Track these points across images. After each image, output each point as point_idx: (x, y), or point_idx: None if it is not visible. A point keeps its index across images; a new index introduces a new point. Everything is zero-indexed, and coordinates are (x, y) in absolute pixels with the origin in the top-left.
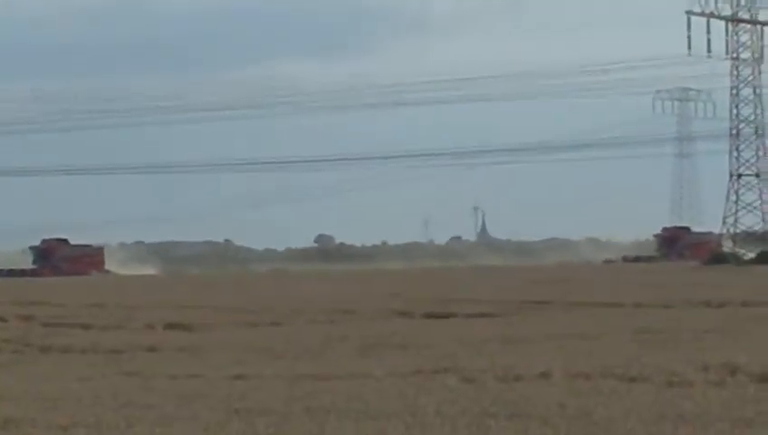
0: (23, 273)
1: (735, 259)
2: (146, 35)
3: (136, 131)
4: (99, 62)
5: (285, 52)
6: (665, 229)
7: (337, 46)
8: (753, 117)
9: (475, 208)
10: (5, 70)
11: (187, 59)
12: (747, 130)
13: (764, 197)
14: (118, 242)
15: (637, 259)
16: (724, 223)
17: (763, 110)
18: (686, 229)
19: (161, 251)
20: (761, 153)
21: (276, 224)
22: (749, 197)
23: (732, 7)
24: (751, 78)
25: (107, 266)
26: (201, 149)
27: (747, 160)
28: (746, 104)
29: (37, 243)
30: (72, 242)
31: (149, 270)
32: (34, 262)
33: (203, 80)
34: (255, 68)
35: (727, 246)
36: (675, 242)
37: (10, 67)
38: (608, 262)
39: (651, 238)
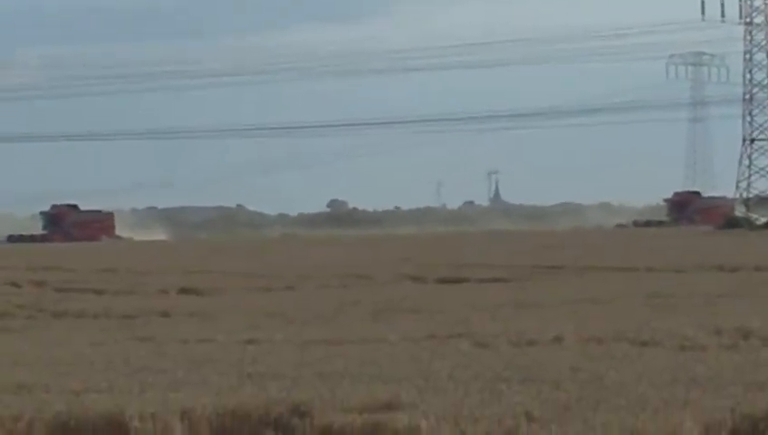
0: (32, 238)
1: (749, 224)
2: (154, 1)
3: (146, 97)
4: (108, 29)
5: (295, 17)
6: (676, 194)
7: (348, 11)
8: (766, 81)
9: (489, 173)
10: (14, 37)
11: (197, 25)
12: (761, 95)
13: None
14: (130, 208)
15: (647, 224)
16: (737, 187)
17: None
18: (697, 194)
19: (173, 217)
20: None
21: (288, 189)
22: (762, 161)
23: None
24: (764, 42)
25: (118, 232)
26: (213, 115)
27: (761, 125)
28: (760, 69)
29: (47, 209)
30: (82, 208)
31: (161, 236)
32: (44, 227)
33: (214, 46)
34: (266, 33)
35: (739, 211)
36: (685, 207)
37: (18, 34)
38: (620, 226)
39: (662, 203)
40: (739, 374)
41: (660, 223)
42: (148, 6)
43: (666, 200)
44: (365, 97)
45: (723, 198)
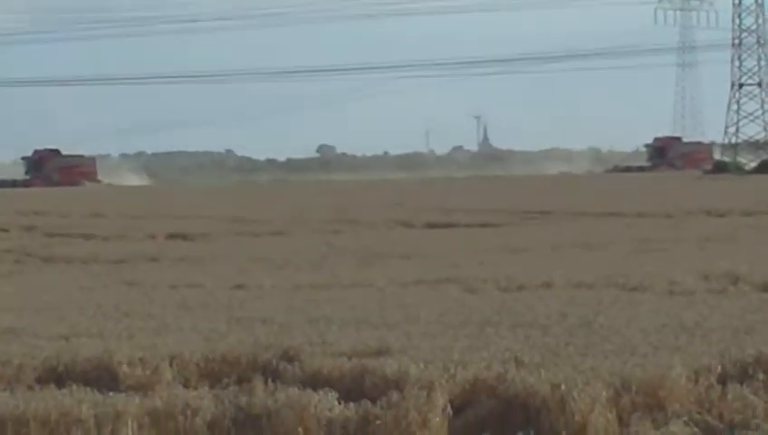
0: (14, 183)
1: (737, 168)
2: None
3: (134, 42)
4: None
5: None
6: (656, 139)
7: None
8: (755, 26)
9: (477, 118)
10: None
11: None
12: (749, 40)
13: (766, 106)
14: (119, 153)
15: (628, 169)
16: (725, 133)
17: (765, 19)
18: (678, 139)
19: (162, 161)
20: (763, 63)
21: (277, 134)
22: (750, 106)
23: None
24: None
25: (107, 178)
26: (201, 60)
27: (749, 70)
28: (748, 14)
29: (29, 154)
30: (65, 153)
31: (150, 180)
32: (26, 172)
33: None
34: None
35: (724, 156)
36: (666, 152)
37: None
38: (609, 172)
39: (643, 149)
40: (727, 319)
41: (641, 168)
42: None
43: (646, 146)
44: (354, 42)
45: (702, 144)
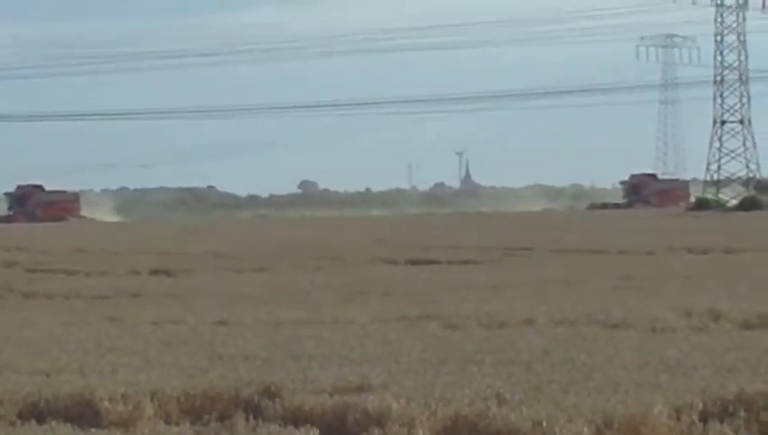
0: None
1: (719, 205)
2: None
3: (117, 78)
4: (77, 9)
5: None
6: (632, 176)
7: None
8: (737, 63)
9: (459, 154)
10: None
11: (168, 5)
12: (731, 77)
13: (747, 143)
14: (101, 188)
15: (603, 206)
16: (707, 169)
17: (747, 56)
18: (653, 176)
19: (144, 197)
20: (745, 100)
21: (259, 170)
22: (732, 143)
23: None
24: (735, 24)
25: (89, 213)
26: (184, 96)
27: (731, 107)
28: (731, 51)
29: (12, 189)
30: (48, 188)
31: (130, 217)
32: (9, 208)
33: (183, 26)
34: (236, 13)
35: (706, 193)
36: (641, 189)
37: None
38: (591, 208)
39: (618, 185)
40: (709, 357)
41: (617, 205)
42: None
43: (622, 183)
44: (336, 78)
45: (678, 180)
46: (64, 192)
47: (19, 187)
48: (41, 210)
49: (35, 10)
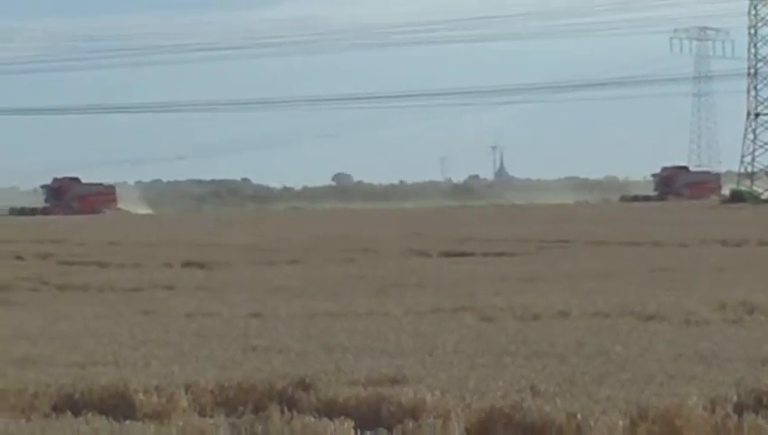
0: (33, 211)
1: (753, 198)
2: None
3: (154, 70)
4: (109, 3)
5: None
6: (663, 169)
7: None
8: None
9: (493, 147)
10: (18, 10)
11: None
12: (765, 69)
13: None
14: (135, 181)
15: (635, 198)
16: (741, 162)
17: None
18: (685, 168)
19: (178, 190)
20: None
21: (294, 163)
22: (766, 135)
23: None
24: None
25: (123, 206)
26: (219, 88)
27: (765, 99)
28: (764, 43)
29: (49, 182)
30: (84, 181)
31: (166, 209)
32: (46, 200)
33: (217, 19)
34: (270, 8)
35: (740, 185)
36: (673, 181)
37: (22, 7)
38: (624, 200)
39: (649, 178)
40: (743, 349)
41: (647, 198)
42: None
43: (653, 175)
44: (371, 71)
45: (709, 173)
46: (101, 185)
47: (56, 179)
48: (77, 203)
49: (67, 4)
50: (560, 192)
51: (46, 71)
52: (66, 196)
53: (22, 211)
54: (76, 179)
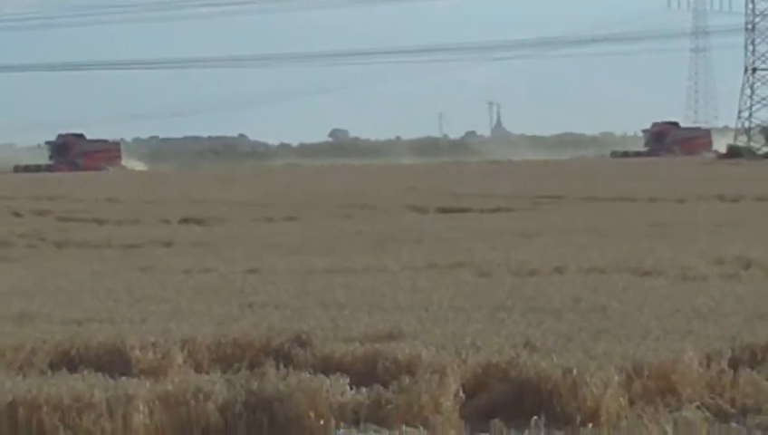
0: (38, 168)
1: (750, 153)
2: None
3: (147, 28)
4: None
5: None
6: (654, 124)
7: None
8: None
9: (490, 103)
10: None
11: None
12: (763, 24)
13: None
14: (132, 137)
15: (625, 154)
16: (738, 117)
17: None
18: (676, 124)
19: (175, 146)
20: None
21: (290, 119)
22: (764, 91)
23: None
24: None
25: (123, 162)
26: (214, 45)
27: (762, 54)
28: None
29: (53, 138)
30: (89, 137)
31: (163, 165)
32: (50, 157)
33: None
34: None
35: (739, 141)
36: (664, 137)
37: None
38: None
39: (640, 134)
40: (739, 304)
41: (638, 153)
42: None
43: (644, 131)
44: (367, 26)
45: (700, 129)
46: (106, 141)
47: (60, 135)
48: (82, 159)
49: None
50: (556, 148)
51: (40, 27)
52: (71, 152)
53: (27, 169)
54: (81, 136)
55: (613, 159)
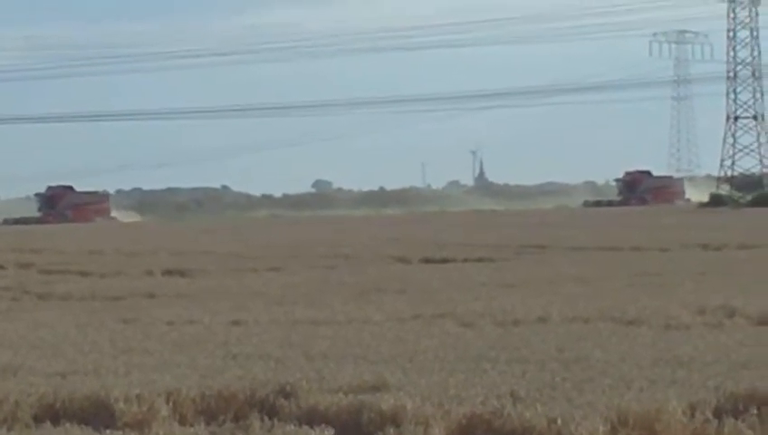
0: (27, 221)
1: (733, 202)
2: None
3: (132, 78)
4: (94, 10)
5: None
6: (626, 173)
7: None
8: (750, 59)
9: (473, 152)
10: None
11: (181, 5)
12: (744, 73)
13: (761, 139)
14: (115, 189)
15: (598, 204)
16: (721, 165)
17: (759, 52)
18: (648, 173)
19: (158, 198)
20: (758, 95)
21: (273, 170)
22: (746, 139)
23: None
24: (747, 20)
25: (114, 213)
26: (198, 95)
27: (744, 103)
28: (743, 46)
29: (42, 190)
30: (78, 189)
31: (147, 217)
32: (39, 209)
33: (197, 26)
34: (249, 14)
35: (723, 189)
36: (636, 186)
37: (5, 14)
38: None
39: (610, 183)
40: (723, 353)
41: (610, 203)
42: None
43: (617, 180)
44: (348, 77)
45: (672, 178)
46: (95, 193)
47: (49, 187)
48: (71, 211)
49: (49, 12)
50: (539, 197)
51: (26, 79)
52: (60, 205)
53: (16, 221)
54: (70, 188)
55: (584, 208)
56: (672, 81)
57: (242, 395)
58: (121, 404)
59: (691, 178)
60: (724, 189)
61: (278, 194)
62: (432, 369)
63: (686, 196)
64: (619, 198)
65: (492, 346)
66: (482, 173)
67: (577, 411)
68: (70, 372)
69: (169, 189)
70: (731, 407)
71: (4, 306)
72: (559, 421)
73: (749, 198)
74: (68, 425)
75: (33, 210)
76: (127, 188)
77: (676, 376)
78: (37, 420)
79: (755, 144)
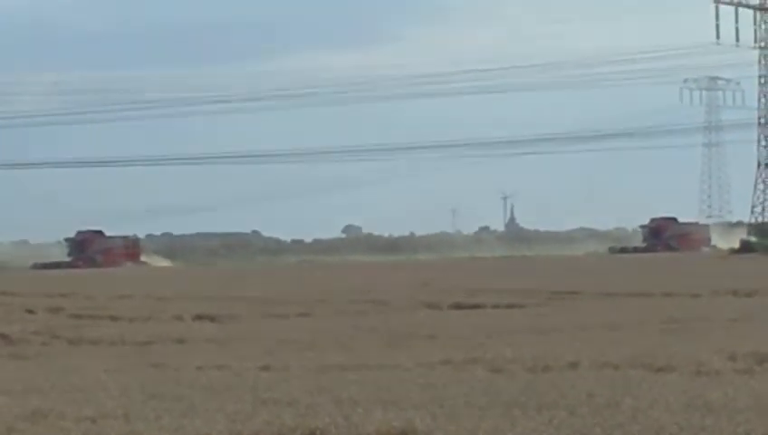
0: (57, 265)
1: (763, 248)
2: (169, 25)
3: (163, 123)
4: (123, 54)
5: (312, 42)
6: (652, 220)
7: (361, 37)
8: None
9: (504, 198)
10: (29, 62)
11: (211, 50)
12: None
13: None
14: (145, 234)
15: (623, 250)
16: (752, 212)
17: None
18: (674, 220)
19: (188, 243)
20: None
21: (304, 215)
22: None
23: None
24: None
25: (144, 258)
26: (227, 141)
27: None
28: None
29: (72, 235)
30: (108, 234)
31: (177, 262)
32: (69, 254)
33: (228, 71)
34: (280, 59)
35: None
36: (661, 232)
37: (33, 60)
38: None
39: (638, 229)
40: (754, 399)
41: (636, 249)
42: (161, 32)
43: (642, 226)
44: (380, 123)
45: (698, 224)
46: (126, 237)
47: (79, 232)
48: (101, 256)
49: (79, 56)
50: (570, 243)
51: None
52: (90, 249)
53: (45, 266)
54: (100, 232)
55: (610, 254)
56: (703, 127)
57: None
58: None
59: (719, 225)
60: (755, 235)
61: (308, 239)
62: (462, 415)
63: (712, 242)
64: (643, 245)
65: (522, 392)
66: (512, 219)
67: None
68: (100, 416)
69: (199, 234)
70: None
71: (34, 351)
72: None
73: None
74: None
75: (62, 255)
76: (157, 232)
77: (705, 423)
78: None
79: None
